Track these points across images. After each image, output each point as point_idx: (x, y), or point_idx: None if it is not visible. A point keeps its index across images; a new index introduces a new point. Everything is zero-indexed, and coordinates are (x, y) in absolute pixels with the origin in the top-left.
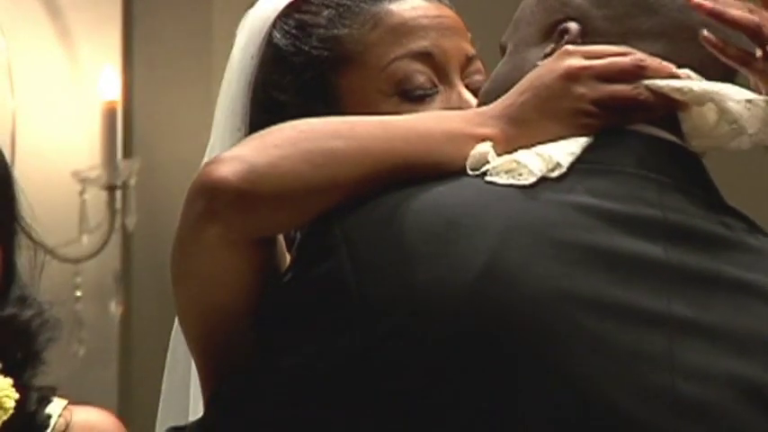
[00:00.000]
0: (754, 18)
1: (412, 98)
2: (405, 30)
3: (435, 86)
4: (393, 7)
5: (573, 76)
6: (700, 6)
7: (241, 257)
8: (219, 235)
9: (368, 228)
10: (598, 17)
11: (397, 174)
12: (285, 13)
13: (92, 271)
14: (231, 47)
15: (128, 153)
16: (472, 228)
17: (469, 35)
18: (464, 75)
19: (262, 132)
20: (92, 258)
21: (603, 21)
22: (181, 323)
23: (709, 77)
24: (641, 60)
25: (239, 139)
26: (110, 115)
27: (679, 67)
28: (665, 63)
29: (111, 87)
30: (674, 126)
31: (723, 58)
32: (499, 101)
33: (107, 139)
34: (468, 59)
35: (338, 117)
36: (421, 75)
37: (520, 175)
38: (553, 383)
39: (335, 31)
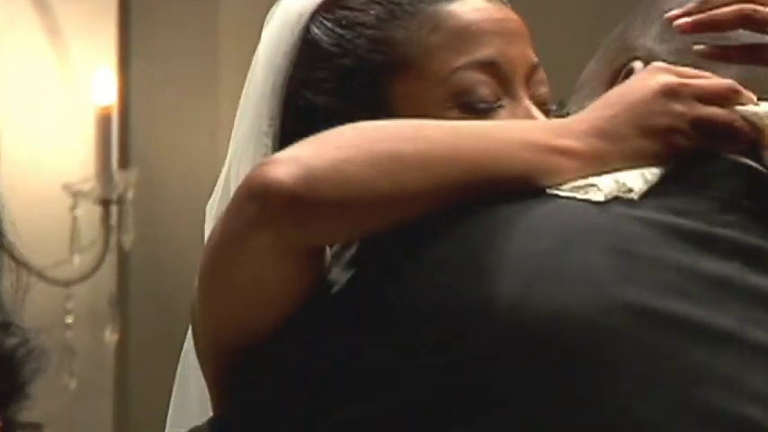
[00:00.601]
0: (743, 7)
1: (474, 111)
2: (468, 35)
3: (499, 99)
4: (454, 8)
5: (672, 92)
6: (682, 27)
7: (293, 268)
8: (272, 243)
9: (434, 251)
10: (664, 53)
11: (468, 183)
12: (326, 8)
13: (84, 294)
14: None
15: (124, 163)
16: (530, 231)
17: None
18: (529, 85)
19: (319, 135)
20: (84, 280)
21: (670, 56)
22: (204, 348)
23: None
24: (735, 85)
25: (267, 147)
26: (104, 122)
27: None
28: (748, 91)
29: (105, 91)
30: (755, 154)
31: (732, 62)
32: (582, 114)
33: (101, 147)
34: (533, 68)
35: (402, 120)
36: (485, 87)
37: (592, 192)
38: (602, 396)
39: (389, 32)
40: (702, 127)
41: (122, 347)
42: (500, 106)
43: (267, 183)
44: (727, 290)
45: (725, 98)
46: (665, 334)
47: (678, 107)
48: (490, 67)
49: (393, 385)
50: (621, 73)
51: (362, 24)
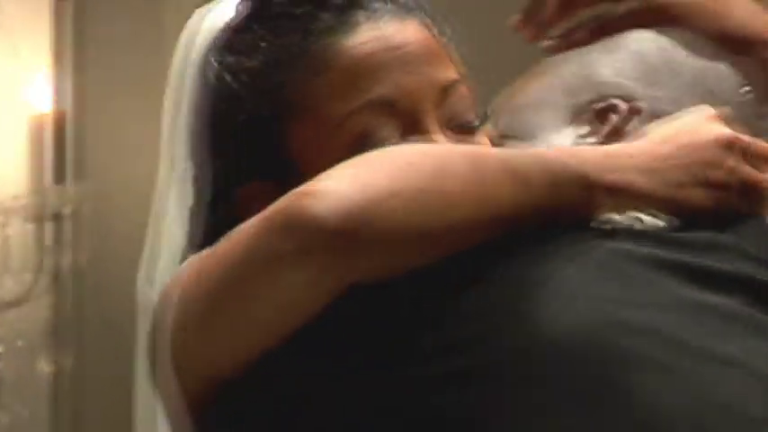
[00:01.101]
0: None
1: None
2: (358, 73)
3: (406, 136)
4: (343, 44)
5: (729, 144)
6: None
7: (324, 301)
8: (309, 281)
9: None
10: (646, 96)
11: (513, 219)
12: (218, 44)
13: (16, 321)
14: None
15: (60, 178)
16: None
17: (448, 49)
18: (442, 112)
19: (359, 159)
20: (16, 306)
21: (654, 101)
22: (185, 379)
23: None
24: None
25: (193, 196)
26: (39, 131)
27: None
28: None
29: (41, 97)
30: None
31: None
32: (633, 146)
33: (36, 159)
34: (444, 90)
35: (449, 146)
36: (385, 128)
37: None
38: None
39: (276, 77)
40: (748, 187)
41: (60, 380)
42: (399, 142)
43: (307, 220)
44: (732, 319)
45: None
46: (669, 353)
47: (730, 162)
48: (387, 105)
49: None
50: (596, 109)
51: (248, 71)
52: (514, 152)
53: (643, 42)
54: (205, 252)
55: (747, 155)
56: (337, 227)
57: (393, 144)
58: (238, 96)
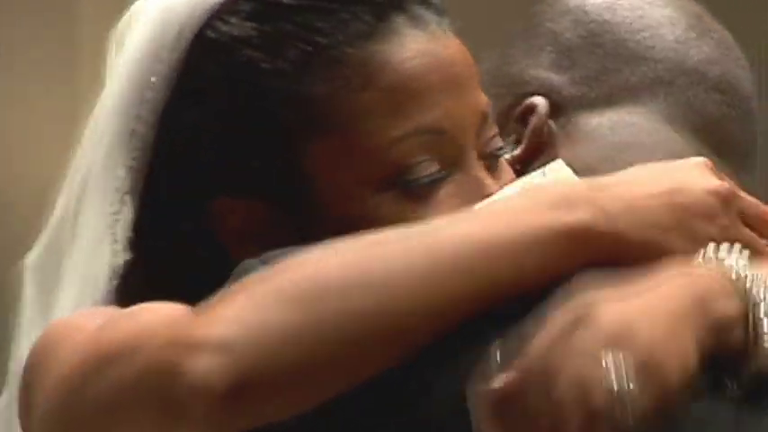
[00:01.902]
0: None
1: (413, 190)
2: (410, 93)
3: (443, 170)
4: (390, 54)
5: (725, 200)
6: None
7: None
8: None
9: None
10: (565, 83)
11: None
12: (214, 34)
13: None
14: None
15: None
16: None
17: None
18: (480, 141)
19: (245, 285)
20: None
21: (574, 86)
22: None
23: (731, 136)
24: None
25: (118, 191)
26: None
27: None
28: None
29: None
30: None
31: None
32: (608, 180)
33: None
34: (484, 116)
35: (357, 244)
36: (431, 160)
37: None
38: None
39: (304, 86)
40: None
41: None
42: (445, 178)
43: (185, 384)
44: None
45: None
46: None
47: (725, 220)
48: (435, 135)
49: None
50: (517, 110)
51: (269, 72)
52: (454, 229)
53: (559, 20)
54: (88, 336)
55: (745, 216)
56: (224, 394)
57: (435, 177)
58: (253, 100)
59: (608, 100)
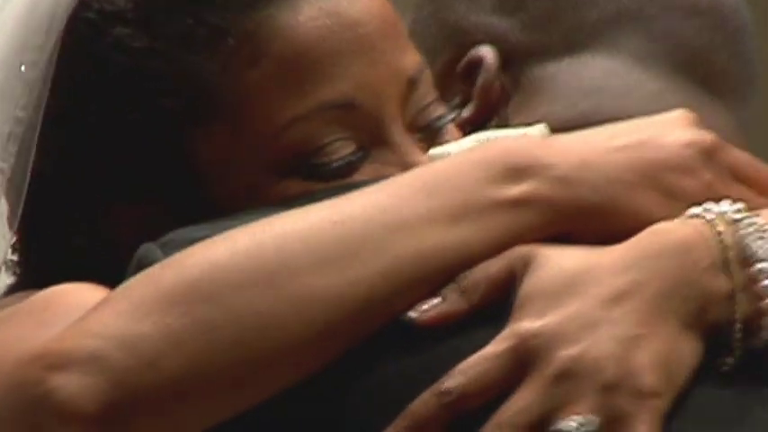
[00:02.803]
0: None
1: (323, 174)
2: (305, 62)
3: (361, 149)
4: (282, 20)
5: (706, 152)
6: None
7: None
8: None
9: None
10: (514, 29)
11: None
12: (86, 12)
13: None
14: None
15: None
16: None
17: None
18: (406, 111)
19: (126, 287)
20: None
21: (524, 31)
22: None
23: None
24: None
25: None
26: None
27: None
28: None
29: None
30: None
31: None
32: (565, 138)
33: None
34: (411, 81)
35: (232, 233)
36: (341, 139)
37: None
38: None
39: (186, 61)
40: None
41: None
42: (362, 158)
43: (52, 406)
44: None
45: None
46: None
47: (707, 174)
48: (344, 109)
49: None
50: (460, 65)
51: (146, 51)
52: (349, 202)
53: None
54: None
55: (736, 171)
56: (98, 413)
57: (349, 159)
58: (128, 84)
59: (566, 44)
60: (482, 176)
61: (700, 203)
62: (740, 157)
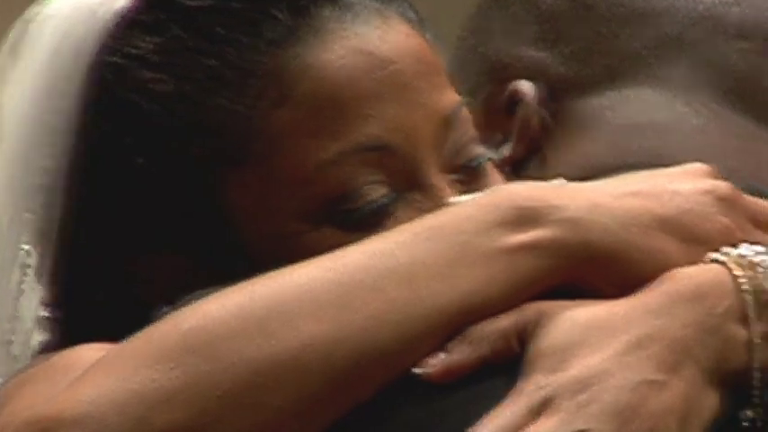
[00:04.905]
0: None
1: (356, 221)
2: (337, 104)
3: (394, 192)
4: (313, 57)
5: (723, 199)
6: None
7: None
8: None
9: None
10: (554, 63)
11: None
12: (111, 55)
13: None
14: None
15: None
16: None
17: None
18: (443, 151)
19: (123, 346)
20: None
21: (564, 63)
22: None
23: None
24: None
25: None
26: None
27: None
28: None
29: None
30: None
31: None
32: (578, 188)
33: None
34: (447, 121)
35: (244, 289)
36: (372, 182)
37: None
38: None
39: (211, 109)
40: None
41: None
42: (395, 200)
43: None
44: None
45: None
46: None
47: (725, 220)
48: (377, 151)
49: None
50: (500, 100)
51: (168, 95)
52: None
53: None
54: None
55: (756, 220)
56: None
57: (382, 202)
58: (154, 129)
59: (607, 76)
60: (489, 220)
61: (717, 249)
62: (759, 203)
